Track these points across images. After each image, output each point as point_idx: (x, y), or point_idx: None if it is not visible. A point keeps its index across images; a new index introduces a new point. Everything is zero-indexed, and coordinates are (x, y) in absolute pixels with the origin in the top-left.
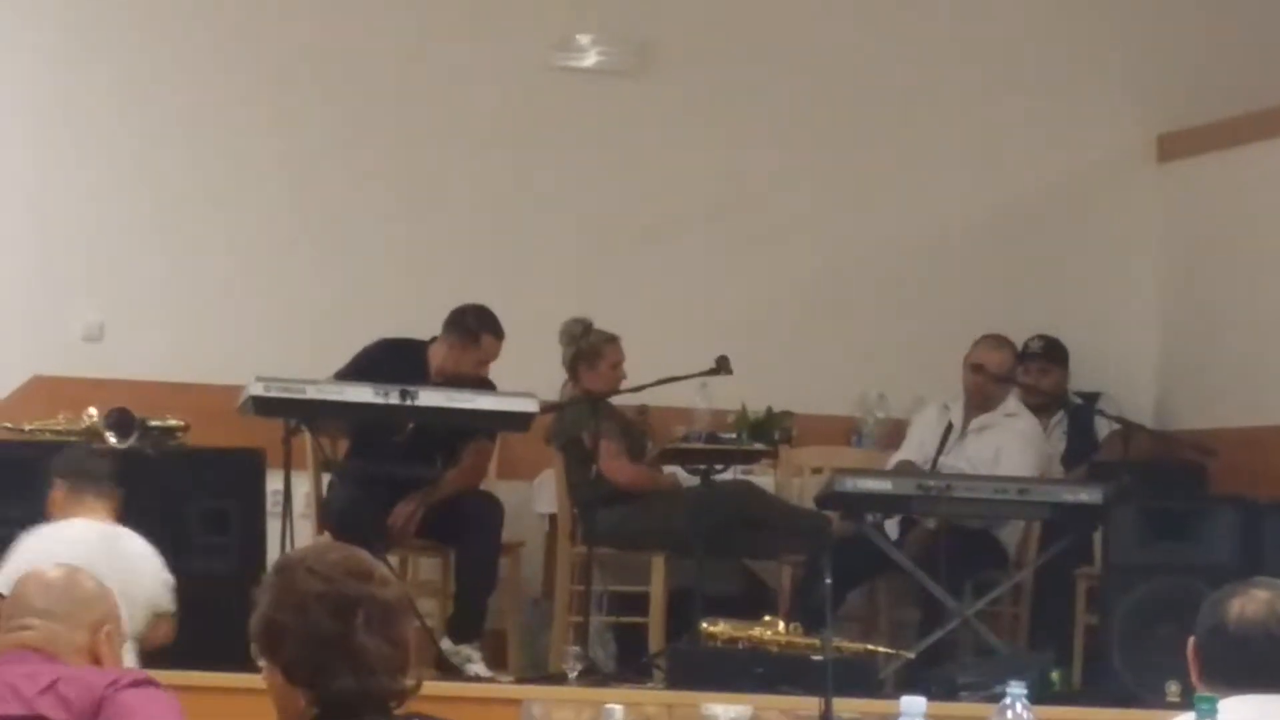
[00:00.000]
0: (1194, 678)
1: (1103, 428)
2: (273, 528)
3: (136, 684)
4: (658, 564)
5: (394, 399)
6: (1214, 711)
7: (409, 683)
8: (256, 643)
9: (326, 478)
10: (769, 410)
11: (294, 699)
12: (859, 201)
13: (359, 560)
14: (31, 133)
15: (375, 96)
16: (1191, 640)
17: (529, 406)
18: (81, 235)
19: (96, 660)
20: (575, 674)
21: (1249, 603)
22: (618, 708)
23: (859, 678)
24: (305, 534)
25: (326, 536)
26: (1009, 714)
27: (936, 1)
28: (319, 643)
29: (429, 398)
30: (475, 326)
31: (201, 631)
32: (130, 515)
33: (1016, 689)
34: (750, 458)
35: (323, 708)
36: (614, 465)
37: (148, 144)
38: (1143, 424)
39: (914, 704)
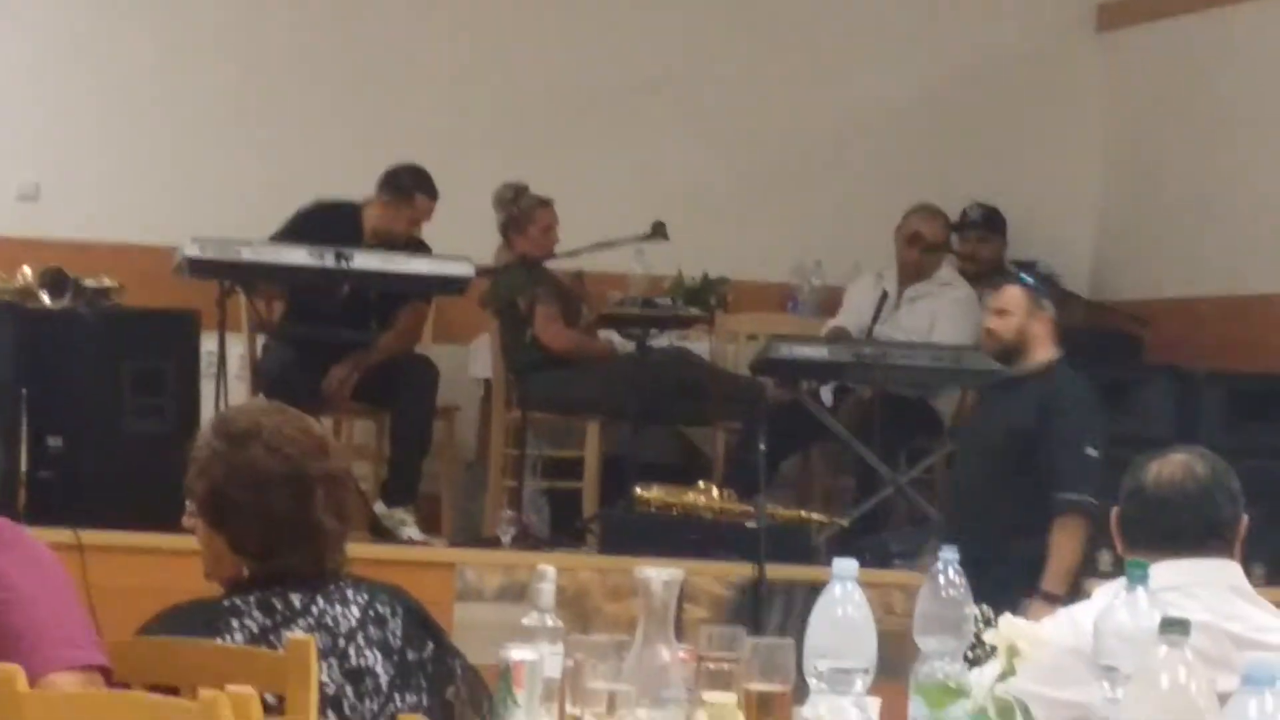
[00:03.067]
0: (1119, 547)
1: None
2: (207, 389)
3: (9, 547)
4: (592, 429)
5: (329, 261)
6: (1146, 576)
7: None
8: (201, 509)
9: (261, 340)
10: (705, 276)
11: (231, 564)
12: (798, 70)
13: (315, 436)
14: None
15: None
16: (1115, 509)
17: (464, 270)
18: (17, 96)
19: None
20: (509, 538)
21: (1165, 465)
22: (550, 569)
23: (792, 544)
24: (240, 395)
25: (260, 399)
26: (940, 579)
27: None
28: (275, 522)
29: (364, 260)
30: (409, 185)
31: (137, 492)
32: (64, 376)
33: (949, 554)
34: (685, 324)
35: (261, 575)
36: (549, 330)
37: (85, 6)
38: (1079, 294)
39: (846, 566)
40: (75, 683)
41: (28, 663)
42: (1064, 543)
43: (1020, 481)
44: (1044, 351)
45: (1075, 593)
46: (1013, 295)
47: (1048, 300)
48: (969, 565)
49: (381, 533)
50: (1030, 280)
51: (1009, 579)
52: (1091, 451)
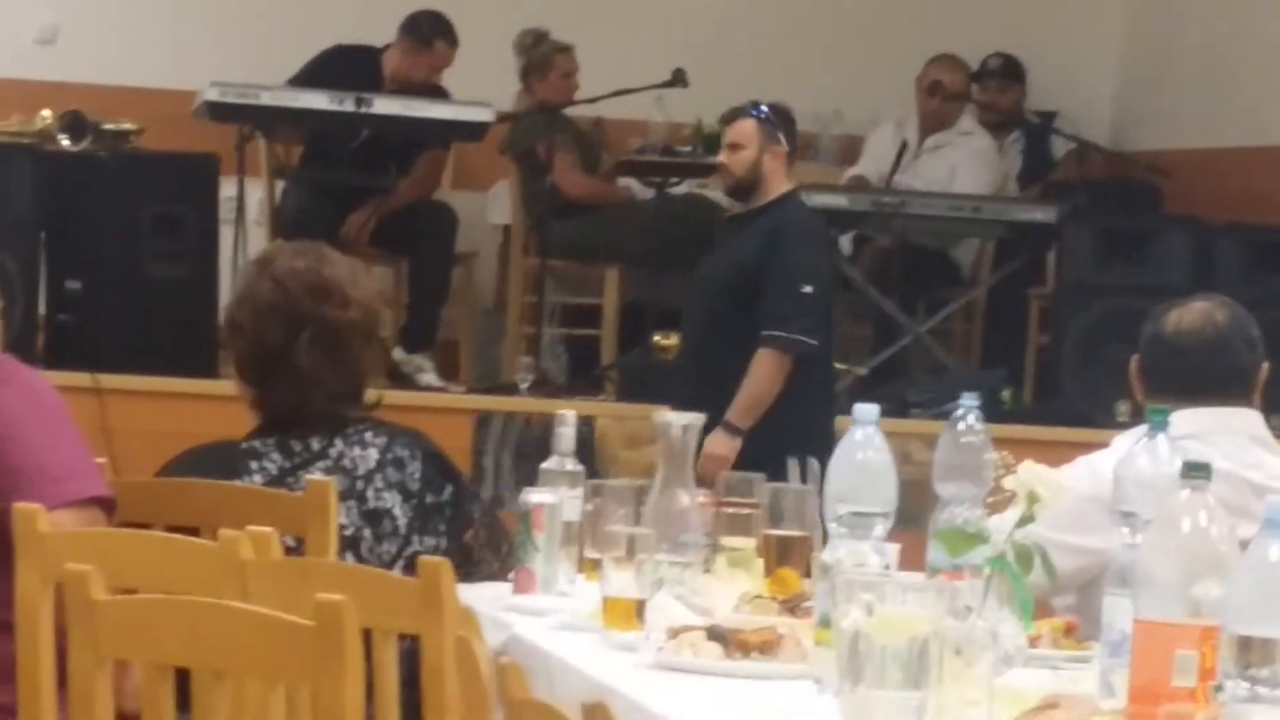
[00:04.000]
0: (1138, 395)
1: (1059, 147)
2: (226, 234)
3: (6, 383)
4: (611, 276)
5: (349, 106)
6: (1166, 424)
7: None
8: (222, 331)
9: (280, 184)
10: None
11: (246, 396)
12: None
13: (323, 278)
14: None
15: None
16: (1134, 357)
17: (484, 116)
18: None
19: None
20: (527, 385)
21: (1186, 314)
22: (570, 413)
23: None
24: (258, 240)
25: (278, 244)
26: (961, 425)
27: None
28: (265, 351)
29: (384, 105)
30: (429, 31)
31: (155, 336)
32: (83, 220)
33: (969, 400)
34: (705, 171)
35: (266, 416)
36: (568, 177)
37: None
38: (1099, 144)
39: (867, 411)
40: (74, 518)
41: (28, 500)
42: (757, 375)
43: (742, 317)
44: (777, 186)
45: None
46: (746, 129)
47: (783, 134)
48: (692, 403)
49: (400, 379)
50: (764, 112)
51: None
52: (807, 289)
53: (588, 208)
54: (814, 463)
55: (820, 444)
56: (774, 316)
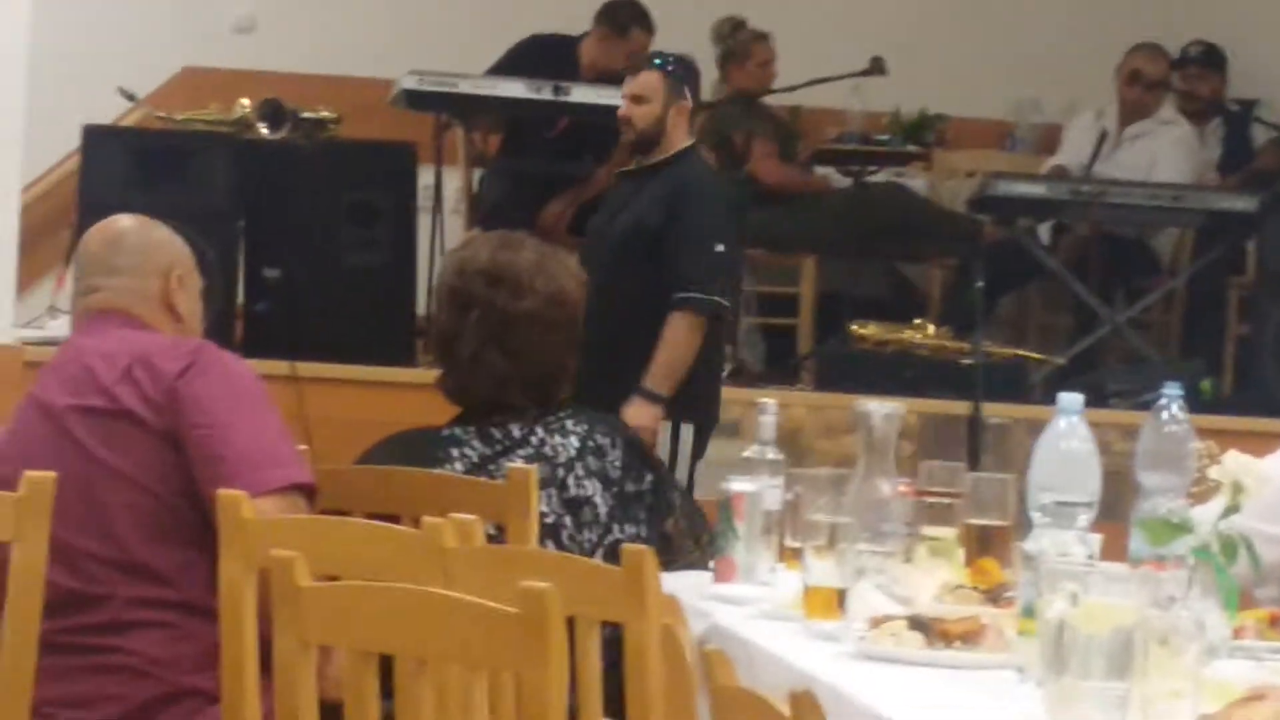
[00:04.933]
0: None
1: (1260, 135)
2: (423, 223)
3: (207, 369)
4: (808, 266)
5: (546, 94)
6: None
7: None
8: None
9: (478, 173)
10: (923, 113)
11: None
12: None
13: (499, 265)
14: None
15: None
16: None
17: None
18: None
19: (171, 307)
20: (724, 374)
21: None
22: (771, 402)
23: (1008, 382)
24: (455, 229)
25: (476, 232)
26: (1164, 415)
27: None
28: (441, 333)
29: (581, 94)
30: (626, 19)
31: (353, 324)
32: (281, 208)
33: (1172, 390)
34: (903, 160)
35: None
36: (765, 165)
37: None
38: None
39: (1071, 400)
40: (275, 505)
41: (231, 488)
42: (674, 339)
43: (642, 273)
44: (678, 141)
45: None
46: (651, 81)
47: (688, 88)
48: (589, 362)
49: None
50: (671, 65)
51: (624, 375)
52: (719, 248)
53: (784, 196)
54: (687, 429)
55: (707, 404)
56: (687, 278)
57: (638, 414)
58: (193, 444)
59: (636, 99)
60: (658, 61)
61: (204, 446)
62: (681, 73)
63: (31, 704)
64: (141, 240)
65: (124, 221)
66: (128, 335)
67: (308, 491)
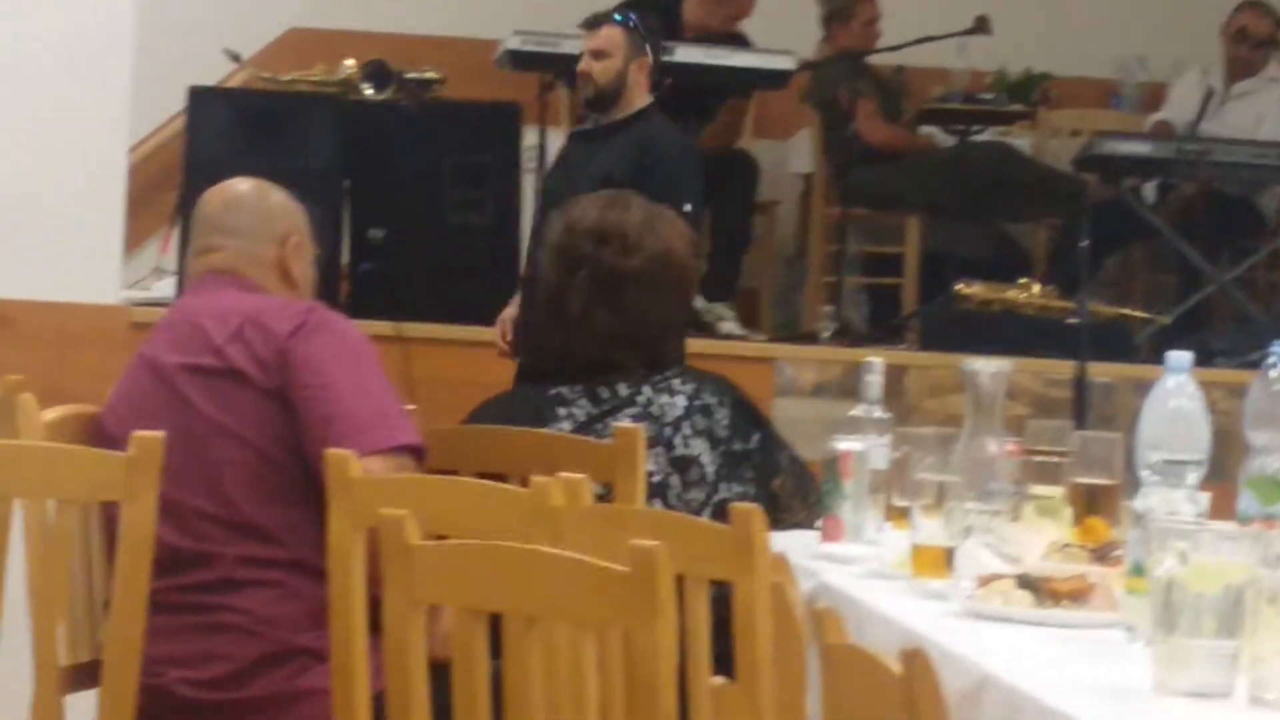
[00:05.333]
0: None
1: None
2: (527, 183)
3: (317, 330)
4: (912, 225)
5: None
6: None
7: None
8: None
9: None
10: (1027, 71)
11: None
12: None
13: (607, 223)
14: None
15: None
16: None
17: (786, 64)
18: None
19: (286, 273)
20: (828, 334)
21: None
22: (878, 361)
23: (1113, 342)
24: None
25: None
26: (1272, 373)
27: None
28: (549, 292)
29: (686, 54)
30: None
31: (457, 285)
32: (386, 169)
33: None
34: (1007, 119)
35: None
36: (870, 125)
37: None
38: None
39: (1179, 359)
40: (385, 465)
41: (340, 447)
42: None
43: None
44: (639, 98)
45: None
46: (613, 36)
47: (649, 44)
48: None
49: (701, 327)
50: (633, 20)
51: None
52: (688, 207)
53: (889, 156)
54: None
55: None
56: None
57: None
58: (302, 404)
59: (597, 54)
60: (619, 17)
61: (313, 406)
62: (643, 29)
63: (142, 662)
64: (260, 204)
65: (243, 184)
66: (240, 296)
67: (417, 453)
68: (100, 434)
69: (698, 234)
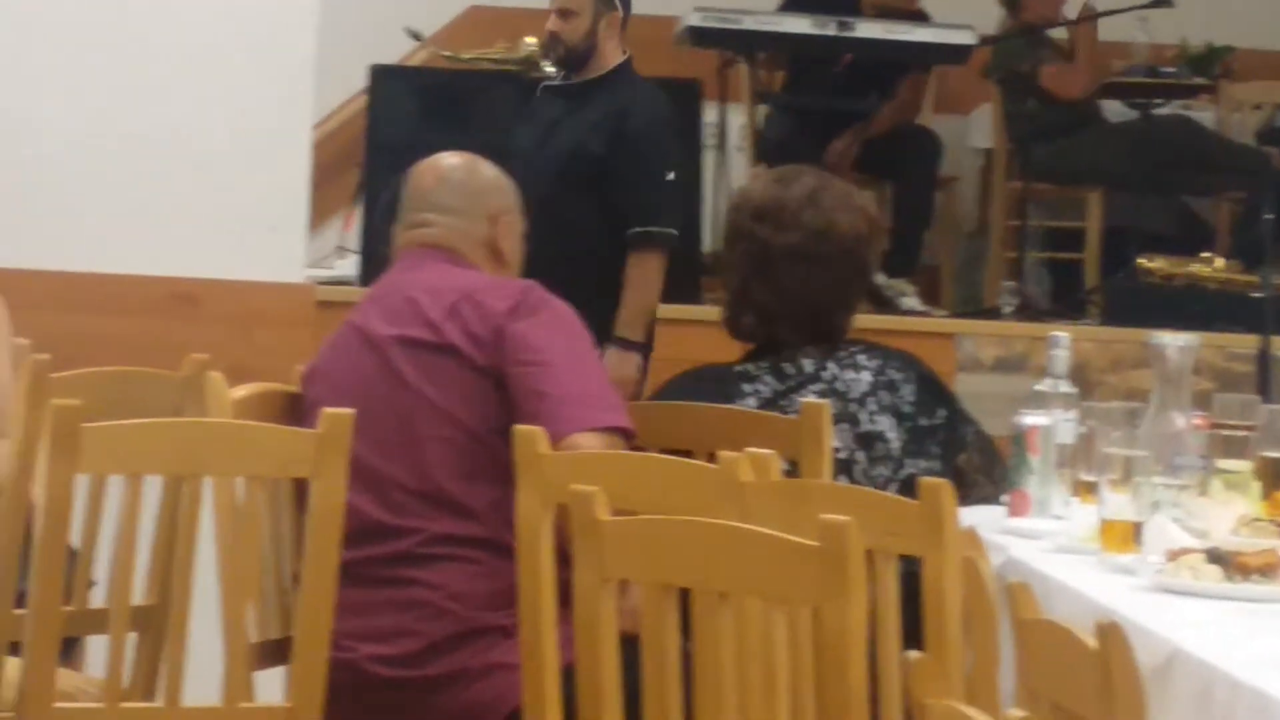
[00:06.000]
0: None
1: None
2: (708, 160)
3: (536, 309)
4: (1094, 199)
5: (831, 30)
6: None
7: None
8: None
9: (762, 110)
10: (1209, 44)
11: None
12: None
13: (766, 199)
14: None
15: None
16: None
17: (966, 39)
18: None
19: (496, 250)
20: (1009, 309)
21: None
22: (1064, 335)
23: None
24: (740, 166)
25: (761, 169)
26: None
27: None
28: (720, 267)
29: (866, 29)
30: None
31: None
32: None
33: None
34: (1190, 92)
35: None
36: (1060, 79)
37: None
38: None
39: None
40: (597, 443)
41: (552, 423)
42: (641, 281)
43: (586, 203)
44: (611, 56)
45: (651, 335)
46: None
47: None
48: None
49: (882, 303)
50: None
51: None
52: (670, 175)
53: (1071, 126)
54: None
55: (649, 334)
56: (643, 213)
57: (618, 364)
58: (516, 379)
59: (563, 13)
60: None
61: (528, 380)
62: None
63: (332, 637)
64: (472, 181)
65: (455, 159)
66: (452, 272)
67: (627, 435)
68: (301, 402)
69: (679, 207)
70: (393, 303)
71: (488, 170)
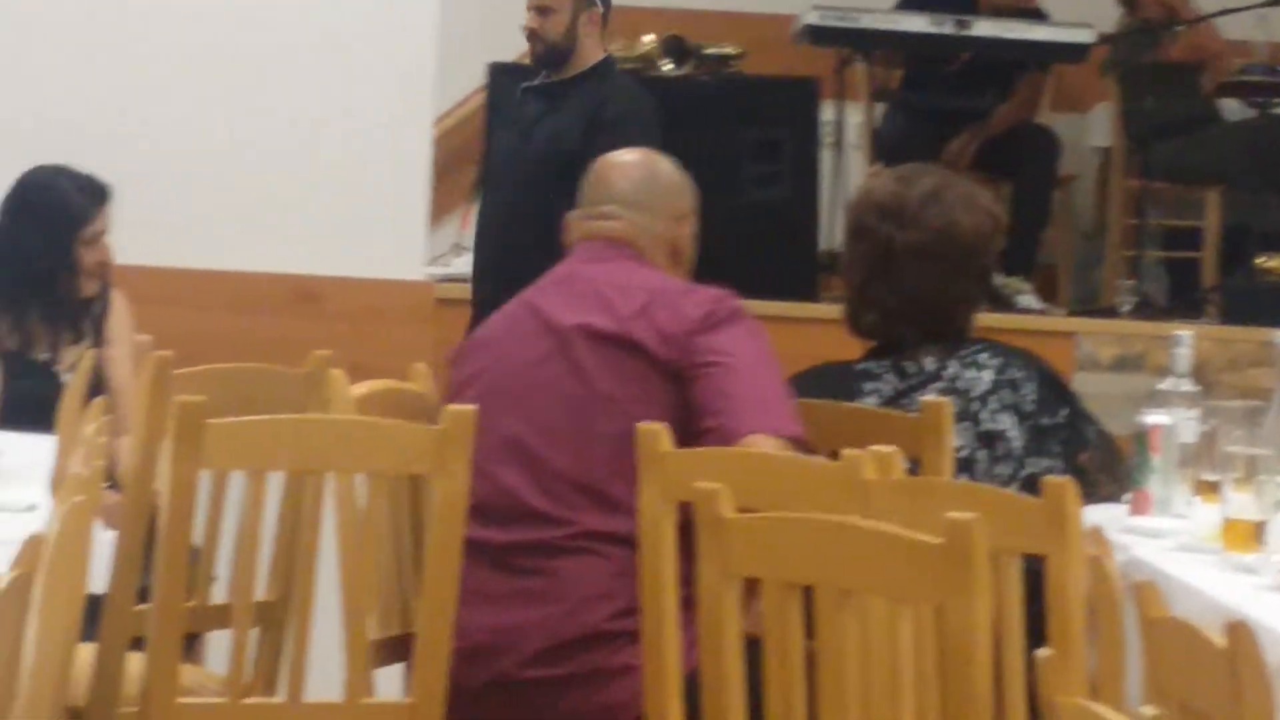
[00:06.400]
0: None
1: None
2: (825, 158)
3: (729, 319)
4: (1212, 198)
5: (948, 29)
6: None
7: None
8: None
9: (880, 108)
10: None
11: None
12: None
13: (887, 196)
14: None
15: None
16: None
17: (1085, 37)
18: None
19: (676, 252)
20: (1128, 308)
21: None
22: (1186, 334)
23: None
24: (857, 164)
25: (879, 168)
26: None
27: None
28: (843, 265)
29: (983, 28)
30: None
31: (755, 259)
32: (684, 144)
33: None
34: None
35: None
36: (1190, 44)
37: None
38: None
39: None
40: (775, 446)
41: (734, 419)
42: None
43: (557, 197)
44: (592, 54)
45: None
46: None
47: None
48: (496, 286)
49: (999, 302)
50: None
51: None
52: None
53: (1189, 127)
54: None
55: None
56: None
57: None
58: (701, 378)
59: (541, 10)
60: None
61: (713, 380)
62: None
63: (460, 625)
64: (663, 180)
65: (645, 156)
66: (639, 271)
67: (802, 448)
68: (461, 372)
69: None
70: (578, 290)
71: (675, 171)
